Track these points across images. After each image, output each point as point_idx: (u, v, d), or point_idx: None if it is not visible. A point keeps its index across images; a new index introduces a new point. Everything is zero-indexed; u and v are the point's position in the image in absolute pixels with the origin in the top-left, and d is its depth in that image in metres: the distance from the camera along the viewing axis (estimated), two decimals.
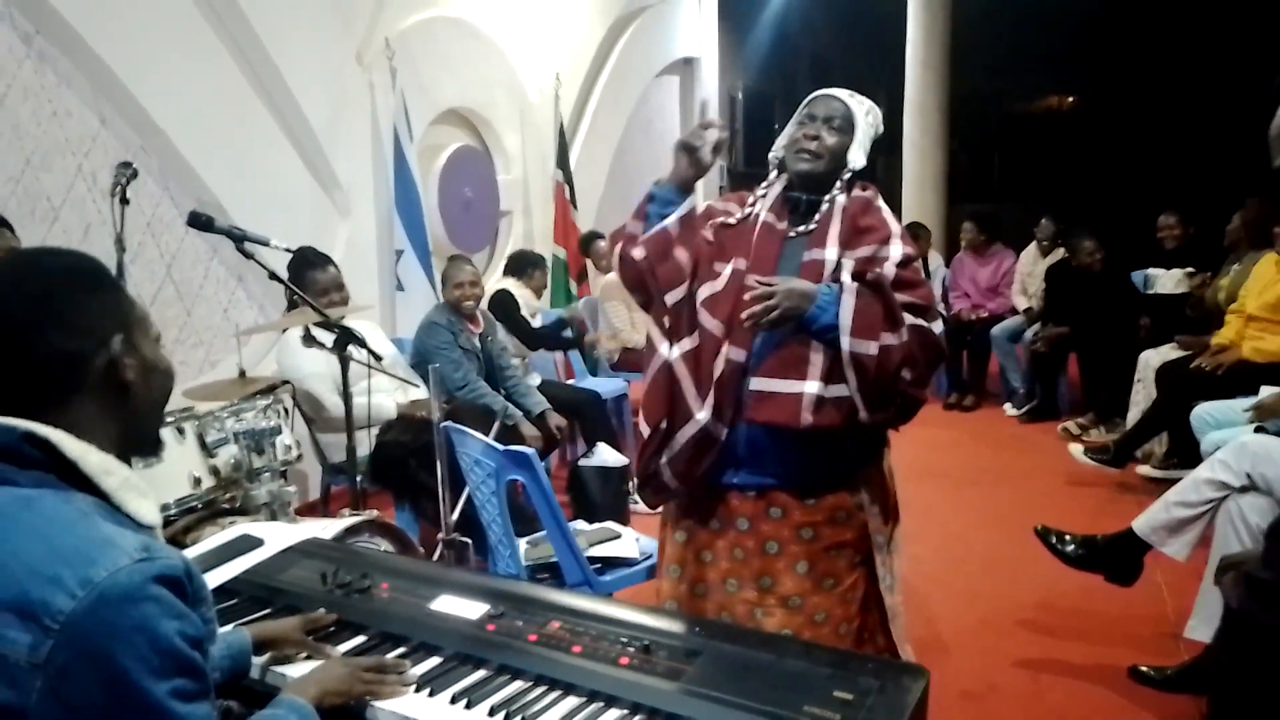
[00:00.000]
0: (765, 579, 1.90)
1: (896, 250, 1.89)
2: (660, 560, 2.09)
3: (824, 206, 1.94)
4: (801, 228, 1.95)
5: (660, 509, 2.10)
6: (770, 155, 2.06)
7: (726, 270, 1.92)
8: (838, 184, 1.95)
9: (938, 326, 1.88)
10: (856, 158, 1.95)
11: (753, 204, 2.03)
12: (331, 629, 1.49)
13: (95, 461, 1.01)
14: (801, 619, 1.88)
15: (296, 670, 1.38)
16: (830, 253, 1.89)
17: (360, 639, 1.46)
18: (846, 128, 1.95)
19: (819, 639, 1.86)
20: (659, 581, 2.08)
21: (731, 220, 2.01)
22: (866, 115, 1.99)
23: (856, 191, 1.97)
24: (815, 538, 1.89)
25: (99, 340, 1.04)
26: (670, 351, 1.93)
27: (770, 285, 1.79)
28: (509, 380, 4.07)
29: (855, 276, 1.85)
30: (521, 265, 5.07)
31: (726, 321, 1.88)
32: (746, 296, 1.81)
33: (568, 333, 5.10)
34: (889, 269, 1.86)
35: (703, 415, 1.86)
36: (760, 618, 1.88)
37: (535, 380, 4.55)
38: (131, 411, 1.08)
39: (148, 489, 1.07)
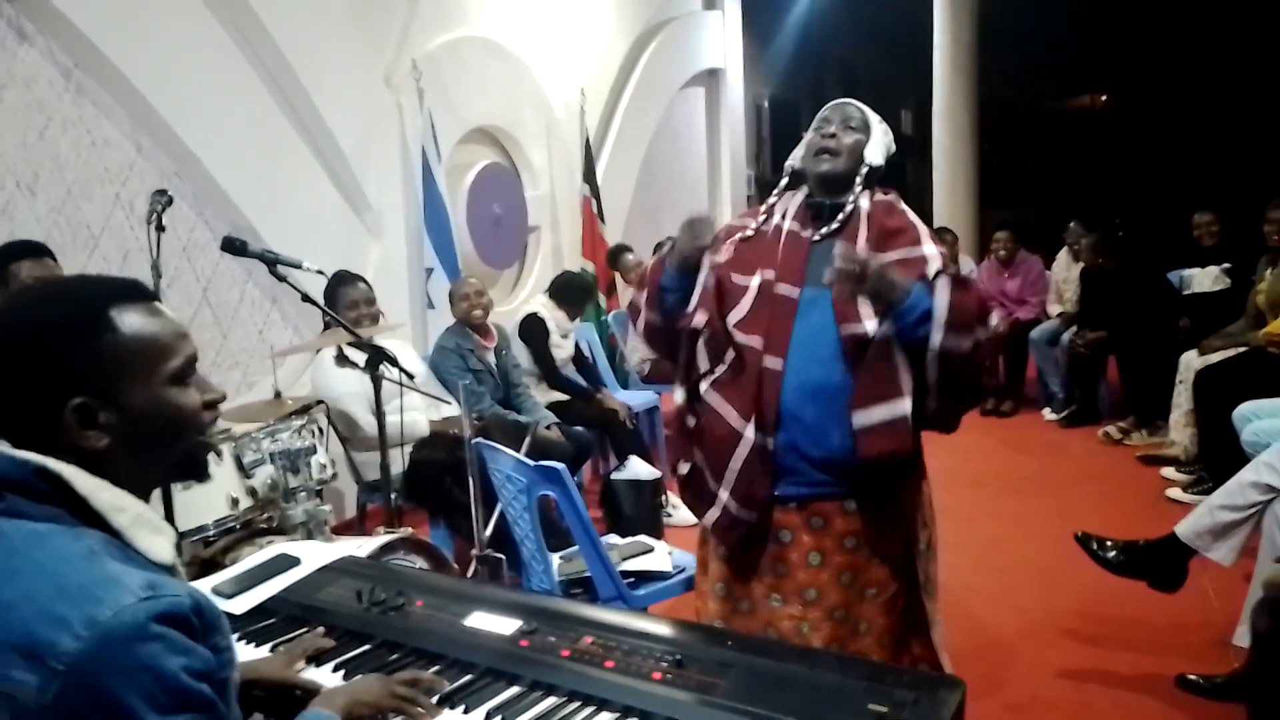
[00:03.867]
0: (810, 591, 1.89)
1: (931, 250, 1.88)
2: (702, 578, 2.08)
3: (848, 208, 1.94)
4: (825, 229, 1.95)
5: (698, 523, 2.10)
6: (787, 164, 2.07)
7: (753, 282, 1.92)
8: (857, 182, 1.95)
9: (993, 319, 1.88)
10: (874, 155, 1.96)
11: (767, 214, 2.03)
12: (332, 646, 1.49)
13: (106, 499, 1.00)
14: (847, 630, 1.87)
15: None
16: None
17: (394, 656, 1.47)
18: (862, 128, 1.98)
19: (863, 649, 1.86)
20: (702, 600, 2.07)
21: (750, 232, 2.01)
22: (880, 123, 2.01)
23: (879, 195, 1.97)
24: (858, 546, 1.88)
25: (59, 400, 1.00)
26: (702, 385, 1.94)
27: (864, 259, 1.75)
28: (517, 395, 4.08)
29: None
30: (568, 293, 4.79)
31: (763, 334, 1.88)
32: (836, 252, 1.77)
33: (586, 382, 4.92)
34: (935, 268, 1.84)
35: (750, 432, 1.85)
36: (807, 632, 1.87)
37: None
38: (132, 460, 1.04)
39: (163, 525, 1.06)
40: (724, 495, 1.90)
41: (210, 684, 0.96)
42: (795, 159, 2.05)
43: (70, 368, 1.00)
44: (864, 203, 1.94)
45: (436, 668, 1.42)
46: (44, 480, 0.99)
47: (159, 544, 1.03)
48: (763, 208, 2.05)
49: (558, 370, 4.54)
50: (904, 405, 1.78)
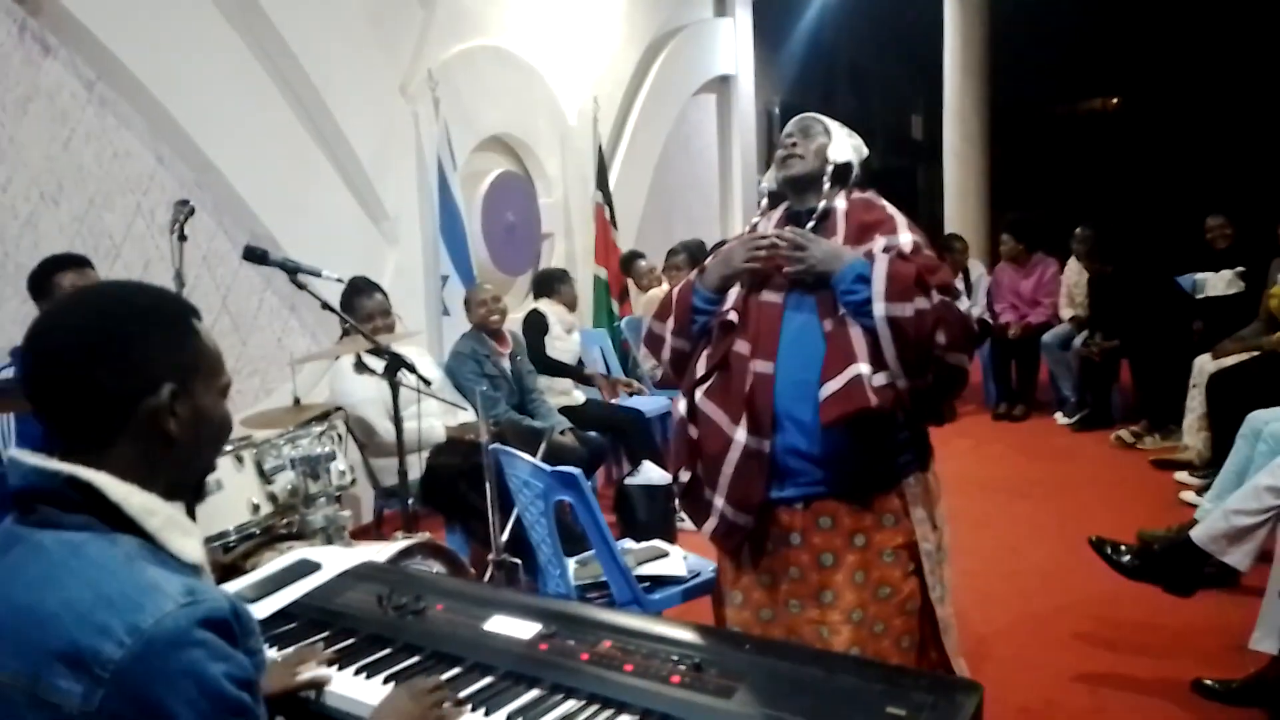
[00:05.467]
0: (826, 593, 1.90)
1: (906, 238, 1.93)
2: (721, 586, 2.09)
3: (822, 206, 1.99)
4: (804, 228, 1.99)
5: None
6: (761, 186, 2.16)
7: (735, 288, 1.99)
8: (825, 180, 2.00)
9: (964, 303, 1.90)
10: (839, 152, 2.03)
11: (751, 231, 2.09)
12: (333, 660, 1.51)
13: (138, 503, 1.01)
14: (865, 632, 1.88)
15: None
16: None
17: (415, 659, 1.50)
18: (822, 133, 2.05)
19: (880, 652, 1.86)
20: (722, 609, 2.09)
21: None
22: (842, 129, 2.08)
23: (855, 194, 2.03)
24: (868, 543, 1.89)
25: (147, 386, 1.02)
26: (696, 394, 1.98)
27: (805, 238, 1.86)
28: (532, 400, 4.11)
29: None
30: (547, 284, 5.14)
31: (751, 339, 1.92)
32: (775, 235, 1.90)
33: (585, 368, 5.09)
34: (905, 251, 1.90)
35: (740, 435, 1.88)
36: (827, 636, 1.88)
37: (580, 399, 4.61)
38: (174, 459, 1.06)
39: (192, 526, 1.08)
40: (719, 502, 1.93)
41: (249, 691, 0.98)
42: (768, 179, 2.14)
43: (167, 356, 1.04)
44: (839, 203, 2.01)
45: (457, 670, 1.44)
46: (74, 489, 1.00)
47: (190, 545, 1.05)
48: (746, 228, 2.13)
49: (548, 357, 4.61)
50: (858, 368, 1.80)
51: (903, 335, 1.79)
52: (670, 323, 2.06)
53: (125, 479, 1.02)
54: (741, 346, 1.92)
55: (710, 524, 1.97)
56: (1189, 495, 4.16)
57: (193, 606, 0.94)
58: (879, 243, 1.91)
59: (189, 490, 1.16)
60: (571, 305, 5.17)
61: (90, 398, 1.01)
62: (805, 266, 1.86)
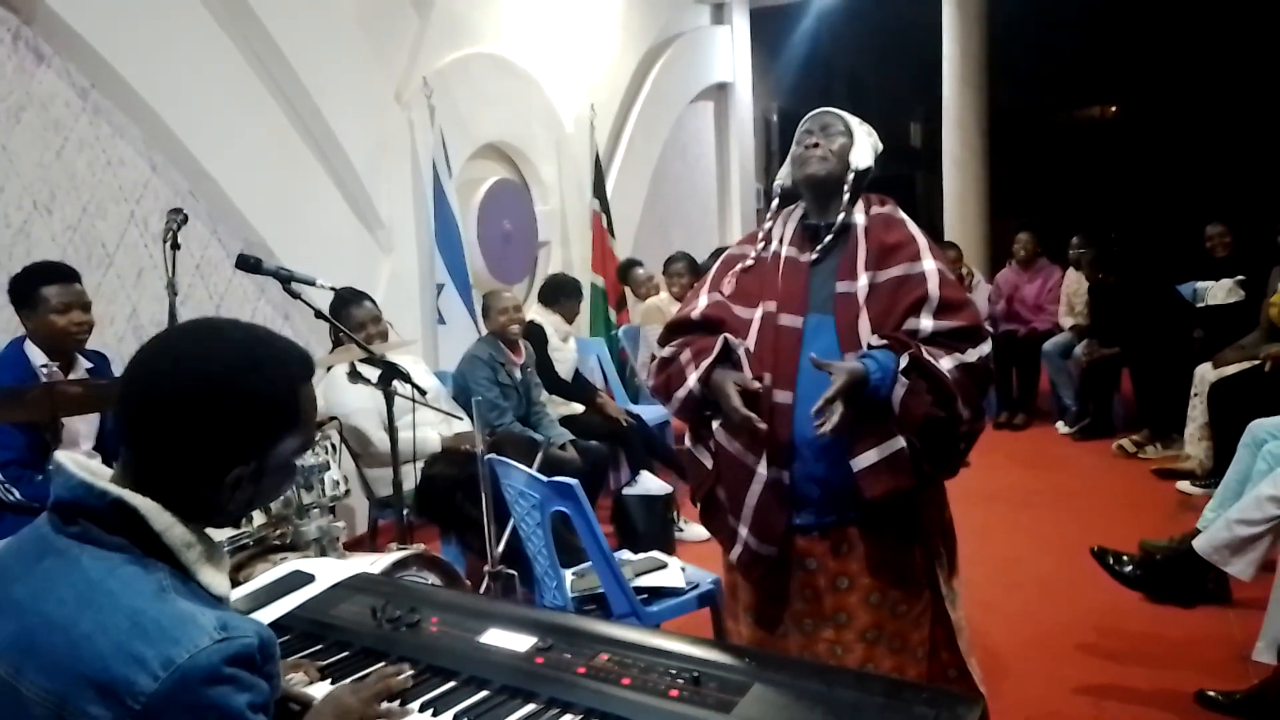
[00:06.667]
0: (840, 615, 1.88)
1: (930, 265, 1.87)
2: (733, 604, 2.07)
3: (841, 220, 1.92)
4: (822, 248, 1.94)
5: (709, 538, 2.10)
6: (775, 184, 2.08)
7: (756, 315, 1.92)
8: (846, 189, 1.93)
9: (986, 347, 1.86)
10: (861, 157, 1.95)
11: (765, 239, 2.02)
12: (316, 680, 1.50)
13: (178, 535, 1.03)
14: (882, 649, 1.86)
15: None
16: (861, 282, 1.88)
17: (410, 673, 1.47)
18: (845, 133, 1.97)
19: (898, 666, 1.85)
20: (734, 625, 2.07)
21: (750, 261, 2.01)
22: (861, 125, 2.01)
23: (875, 209, 1.96)
24: (884, 567, 1.88)
25: (239, 458, 1.04)
26: (714, 425, 1.94)
27: (826, 400, 1.73)
28: (536, 413, 4.09)
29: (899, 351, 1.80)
30: (554, 293, 5.06)
31: (770, 369, 1.87)
32: (814, 412, 1.75)
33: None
34: (932, 288, 1.84)
35: (762, 469, 1.85)
36: (841, 655, 1.87)
37: (579, 408, 4.58)
38: (231, 509, 1.09)
39: (223, 556, 1.09)
40: (743, 532, 1.91)
41: (265, 713, 1.00)
42: (783, 177, 2.05)
43: (253, 439, 1.05)
44: (859, 218, 1.93)
45: (452, 684, 1.42)
46: (119, 513, 1.01)
47: (219, 580, 1.06)
48: (760, 234, 2.05)
49: (557, 375, 4.56)
50: (899, 441, 1.78)
51: (925, 442, 1.79)
52: (673, 408, 2.01)
53: (172, 510, 1.03)
54: (763, 378, 1.87)
55: (736, 551, 1.95)
56: (1185, 486, 4.28)
57: (226, 643, 0.96)
58: (899, 270, 1.86)
59: (219, 523, 1.16)
60: (570, 317, 5.12)
61: (180, 452, 1.03)
62: (844, 416, 1.73)
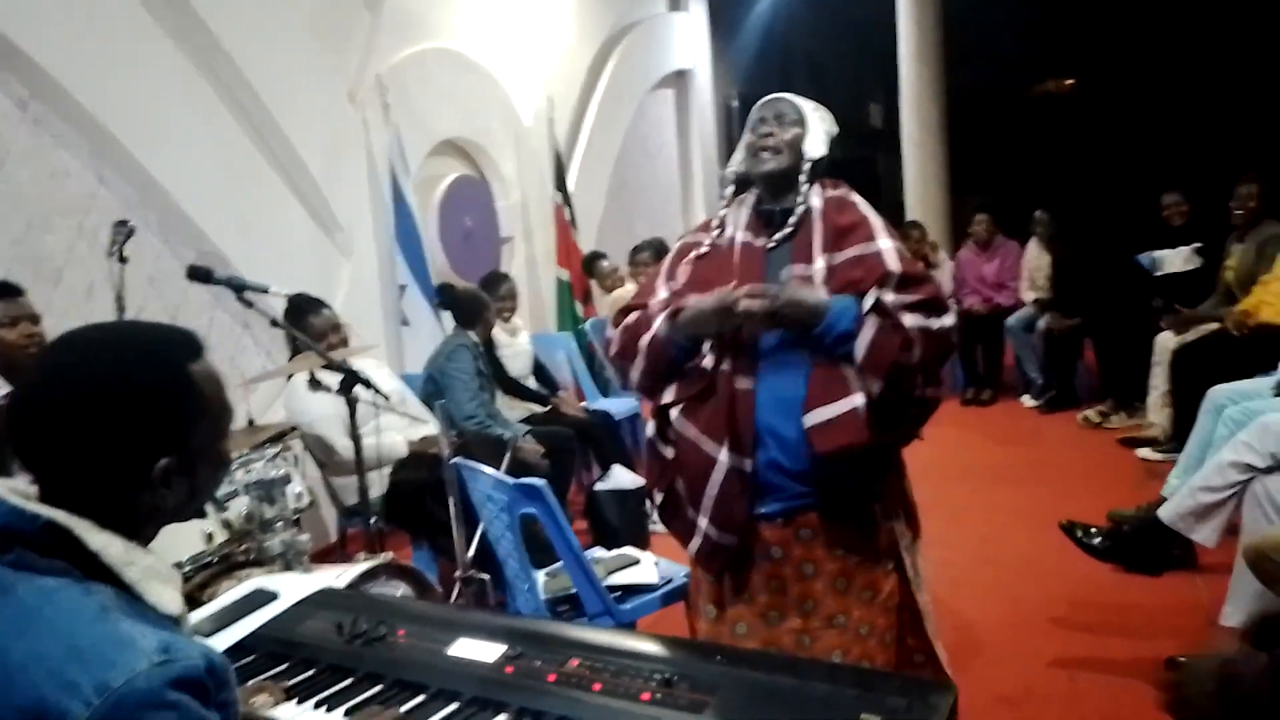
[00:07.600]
0: (808, 603, 1.87)
1: (886, 244, 1.87)
2: (695, 598, 2.05)
3: (799, 210, 1.92)
4: (780, 235, 1.93)
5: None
6: (727, 171, 2.06)
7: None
8: (802, 177, 1.93)
9: (949, 319, 1.86)
10: (814, 148, 1.95)
11: (720, 226, 2.01)
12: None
13: (117, 553, 0.98)
14: (849, 636, 1.86)
15: None
16: (818, 264, 1.87)
17: (377, 689, 1.45)
18: (798, 122, 1.96)
19: (866, 653, 1.85)
20: (695, 619, 2.05)
21: (705, 249, 2.00)
22: (815, 111, 1.99)
23: (829, 191, 1.96)
24: (848, 551, 1.87)
25: (148, 456, 1.00)
26: (672, 413, 1.92)
27: (772, 290, 1.77)
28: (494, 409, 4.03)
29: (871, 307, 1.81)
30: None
31: (731, 355, 1.86)
32: (741, 293, 1.78)
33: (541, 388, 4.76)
34: (892, 264, 1.83)
35: (724, 456, 1.84)
36: (809, 644, 1.86)
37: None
38: (165, 513, 1.05)
39: (172, 574, 1.04)
40: (702, 522, 1.89)
41: None
42: (735, 164, 2.04)
43: (160, 431, 1.01)
44: (815, 201, 1.93)
45: (421, 698, 1.40)
46: (53, 535, 0.96)
47: (168, 595, 1.01)
48: (714, 221, 2.04)
49: (510, 378, 4.46)
50: (855, 399, 1.77)
51: (886, 394, 1.77)
52: (640, 363, 1.96)
53: (107, 527, 0.98)
54: (723, 364, 1.86)
55: (695, 543, 1.93)
56: (1147, 453, 4.43)
57: (166, 666, 0.91)
58: (854, 251, 1.86)
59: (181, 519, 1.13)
60: (505, 313, 4.67)
61: (92, 461, 0.99)
62: (774, 310, 1.76)
